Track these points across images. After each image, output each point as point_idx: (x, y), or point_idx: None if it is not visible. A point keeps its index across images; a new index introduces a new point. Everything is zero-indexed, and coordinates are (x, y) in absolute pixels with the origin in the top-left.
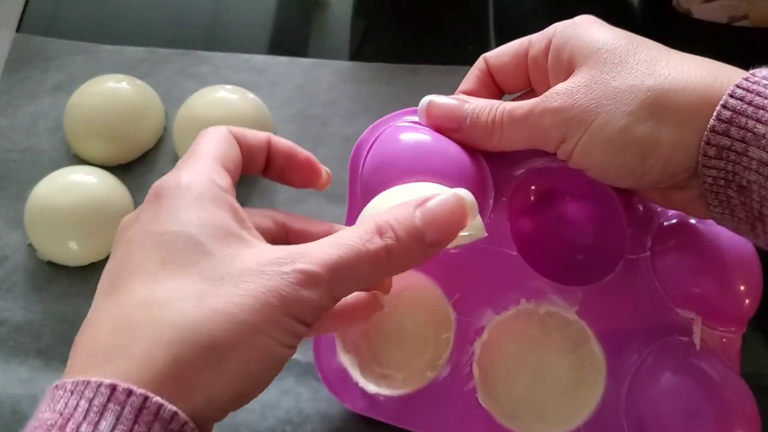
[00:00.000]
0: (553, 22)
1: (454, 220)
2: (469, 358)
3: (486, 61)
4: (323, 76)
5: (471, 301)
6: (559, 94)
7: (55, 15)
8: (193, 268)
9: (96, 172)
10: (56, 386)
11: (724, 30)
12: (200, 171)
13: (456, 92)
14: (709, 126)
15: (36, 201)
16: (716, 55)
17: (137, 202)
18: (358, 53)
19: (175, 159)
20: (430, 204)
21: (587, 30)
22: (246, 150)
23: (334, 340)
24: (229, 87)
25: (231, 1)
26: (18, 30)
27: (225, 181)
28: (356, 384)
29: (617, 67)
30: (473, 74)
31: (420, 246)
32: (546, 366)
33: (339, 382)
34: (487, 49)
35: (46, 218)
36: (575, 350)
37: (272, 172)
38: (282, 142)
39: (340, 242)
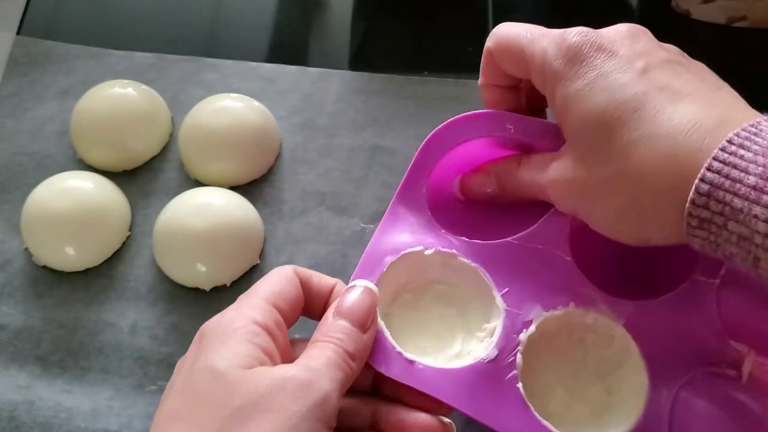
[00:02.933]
0: (553, 23)
1: (366, 306)
2: (515, 348)
3: (488, 51)
4: (331, 86)
5: (521, 295)
6: (554, 180)
7: (56, 17)
8: (211, 396)
9: (94, 177)
10: None
11: (723, 30)
12: (243, 309)
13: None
14: (689, 198)
15: (32, 206)
16: (715, 56)
17: (139, 209)
18: (358, 54)
19: (180, 166)
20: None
21: (579, 102)
22: (307, 292)
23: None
24: (234, 95)
25: (231, 2)
26: (18, 32)
27: (268, 318)
28: (393, 348)
29: (596, 155)
30: (484, 64)
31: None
32: (582, 385)
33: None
34: None
35: (41, 223)
36: (614, 372)
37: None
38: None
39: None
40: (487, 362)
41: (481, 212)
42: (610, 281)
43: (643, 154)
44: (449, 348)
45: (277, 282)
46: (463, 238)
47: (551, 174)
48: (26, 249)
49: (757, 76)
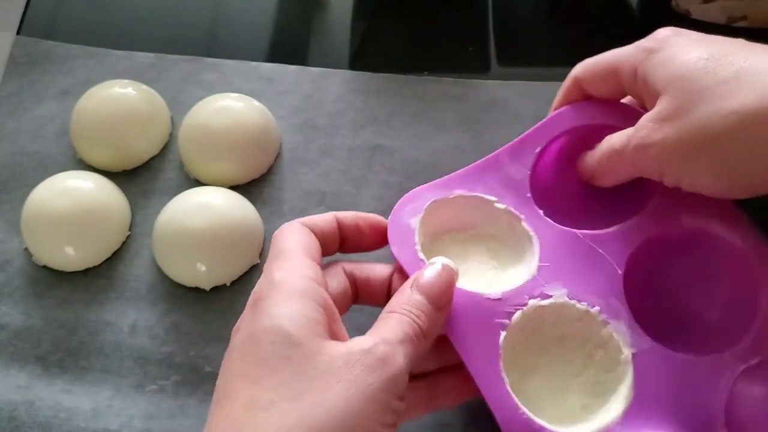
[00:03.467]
0: (553, 23)
1: (444, 285)
2: (519, 303)
3: (578, 81)
4: (331, 86)
5: (555, 276)
6: (647, 127)
7: (56, 17)
8: (286, 362)
9: (93, 177)
10: None
11: (723, 31)
12: (291, 266)
13: (551, 110)
14: None
15: (32, 205)
16: None
17: (139, 209)
18: (358, 54)
19: (180, 166)
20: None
21: (669, 55)
22: (320, 235)
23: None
24: (234, 95)
25: (231, 2)
26: (18, 32)
27: (316, 272)
28: (414, 244)
29: (697, 95)
30: (562, 93)
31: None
32: (564, 393)
33: (400, 234)
34: (486, 49)
35: (41, 223)
36: (600, 398)
37: (347, 247)
38: (348, 217)
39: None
40: (486, 298)
41: (570, 201)
42: (646, 312)
43: (755, 83)
44: (465, 277)
45: (299, 237)
46: (539, 210)
47: (646, 123)
48: (26, 249)
49: None
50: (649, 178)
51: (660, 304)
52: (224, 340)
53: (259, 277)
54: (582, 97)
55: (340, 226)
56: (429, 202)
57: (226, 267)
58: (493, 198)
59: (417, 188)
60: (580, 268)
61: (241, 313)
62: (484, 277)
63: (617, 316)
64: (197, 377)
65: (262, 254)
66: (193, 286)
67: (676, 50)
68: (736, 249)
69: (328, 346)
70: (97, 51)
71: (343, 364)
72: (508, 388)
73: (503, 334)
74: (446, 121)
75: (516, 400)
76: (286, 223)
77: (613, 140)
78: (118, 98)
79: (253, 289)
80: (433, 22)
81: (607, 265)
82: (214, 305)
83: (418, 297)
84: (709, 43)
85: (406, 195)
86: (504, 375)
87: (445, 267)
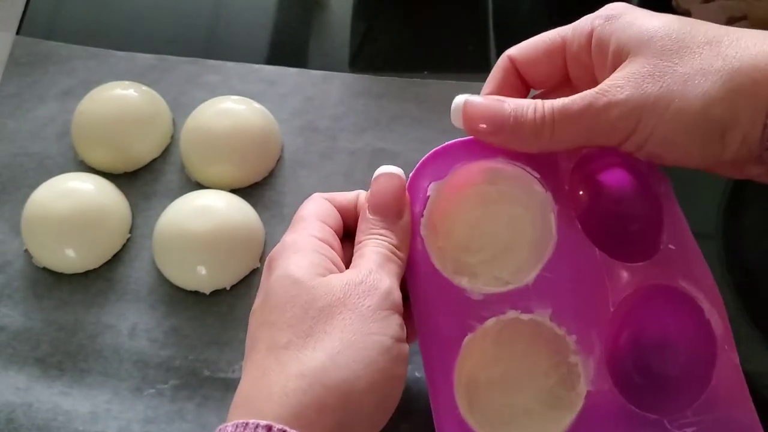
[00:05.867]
0: (553, 22)
1: (393, 193)
2: (498, 311)
3: (512, 59)
4: (332, 89)
5: (549, 287)
6: (622, 85)
7: (56, 17)
8: (294, 300)
9: (94, 179)
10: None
11: None
12: (301, 229)
13: (481, 94)
14: None
15: (33, 207)
16: None
17: (140, 211)
18: (358, 54)
19: (181, 169)
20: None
21: (633, 20)
22: (341, 208)
23: None
24: (235, 97)
25: (231, 2)
26: (18, 32)
27: (324, 232)
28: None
29: (678, 53)
30: (497, 74)
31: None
32: (521, 392)
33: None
34: (487, 49)
35: (41, 224)
36: (552, 408)
37: None
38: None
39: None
40: (467, 296)
41: (592, 215)
42: (616, 354)
43: (735, 45)
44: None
45: (315, 205)
46: (570, 212)
47: (619, 81)
48: (26, 250)
49: None
50: (606, 141)
51: (631, 352)
52: (223, 344)
53: (259, 281)
54: (515, 81)
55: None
56: (455, 168)
57: (227, 271)
58: (536, 175)
59: (449, 144)
60: (578, 289)
61: (240, 317)
62: (490, 250)
63: (590, 351)
64: (196, 381)
65: (263, 258)
66: (193, 289)
67: (639, 15)
68: (711, 328)
69: (327, 282)
70: (99, 52)
71: (342, 294)
72: (454, 388)
73: (470, 335)
74: (448, 125)
75: (456, 401)
76: (313, 195)
77: (564, 102)
78: (120, 100)
79: (269, 255)
80: (433, 22)
81: (603, 297)
82: (213, 309)
83: (376, 218)
84: (666, 15)
85: (434, 151)
86: (454, 375)
87: (385, 175)
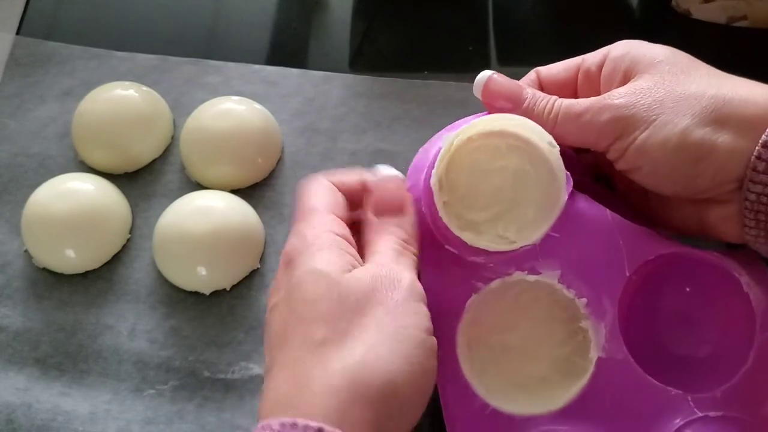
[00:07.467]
0: (553, 23)
1: (394, 194)
2: (504, 272)
3: (538, 74)
4: (333, 90)
5: (557, 246)
6: (620, 93)
7: (56, 17)
8: (329, 295)
9: (94, 179)
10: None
11: (723, 30)
12: (318, 224)
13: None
14: (761, 140)
15: (33, 207)
16: (715, 56)
17: (140, 211)
18: (358, 53)
19: (181, 169)
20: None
21: (648, 46)
22: (345, 192)
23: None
24: (236, 98)
25: (231, 2)
26: (18, 32)
27: (341, 227)
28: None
29: (680, 76)
30: (522, 81)
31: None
32: (530, 356)
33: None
34: (487, 49)
35: (41, 225)
36: (563, 373)
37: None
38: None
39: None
40: (470, 260)
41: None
42: (633, 323)
43: (733, 81)
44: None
45: (325, 194)
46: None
47: (620, 90)
48: (26, 251)
49: (757, 76)
50: (595, 143)
51: (652, 323)
52: (223, 345)
53: (259, 281)
54: (533, 86)
55: (367, 187)
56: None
57: (227, 271)
58: (557, 148)
59: (463, 120)
60: (590, 251)
61: (240, 318)
62: (495, 207)
63: (601, 316)
64: (196, 382)
65: (263, 259)
66: (193, 290)
67: (653, 45)
68: (743, 292)
69: (355, 276)
70: (99, 52)
71: (370, 288)
72: (457, 349)
73: (474, 296)
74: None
75: (460, 363)
76: (313, 177)
77: (570, 102)
78: (120, 100)
79: (284, 250)
80: (433, 22)
81: (619, 261)
82: (213, 310)
83: (383, 218)
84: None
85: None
86: (457, 336)
87: (386, 179)
